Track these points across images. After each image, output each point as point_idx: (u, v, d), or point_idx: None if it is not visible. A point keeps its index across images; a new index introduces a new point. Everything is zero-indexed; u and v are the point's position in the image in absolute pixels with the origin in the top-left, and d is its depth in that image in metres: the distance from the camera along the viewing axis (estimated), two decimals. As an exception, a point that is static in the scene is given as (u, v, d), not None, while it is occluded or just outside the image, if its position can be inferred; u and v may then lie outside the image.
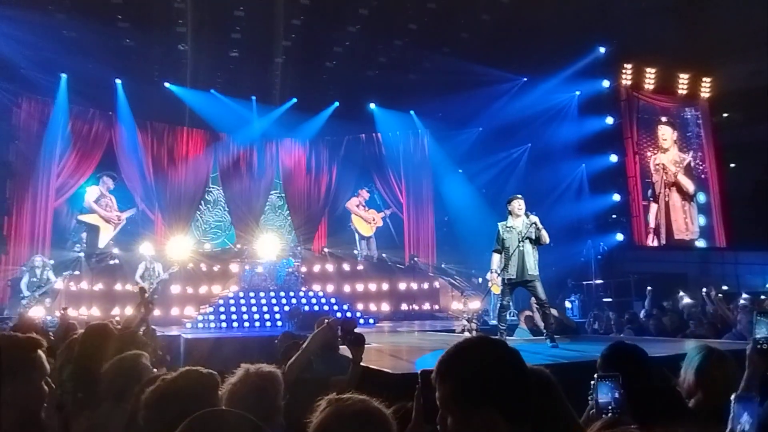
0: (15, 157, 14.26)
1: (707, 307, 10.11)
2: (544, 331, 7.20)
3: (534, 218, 7.07)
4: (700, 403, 2.47)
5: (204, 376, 2.15)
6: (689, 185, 17.30)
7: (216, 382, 2.17)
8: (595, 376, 1.89)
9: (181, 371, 2.16)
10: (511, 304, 7.86)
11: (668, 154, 17.28)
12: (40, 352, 1.85)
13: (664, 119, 17.46)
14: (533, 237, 7.05)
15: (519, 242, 6.99)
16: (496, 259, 7.28)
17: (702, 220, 17.30)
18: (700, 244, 17.19)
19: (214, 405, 2.11)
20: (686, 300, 11.38)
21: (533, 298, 7.50)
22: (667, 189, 17.03)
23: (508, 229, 7.17)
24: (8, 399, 1.71)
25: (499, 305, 7.52)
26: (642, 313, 10.94)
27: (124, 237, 14.32)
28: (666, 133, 17.41)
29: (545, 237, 7.06)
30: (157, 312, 11.71)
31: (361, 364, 5.11)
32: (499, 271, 7.20)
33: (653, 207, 16.71)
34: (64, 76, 14.27)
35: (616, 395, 1.88)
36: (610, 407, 1.89)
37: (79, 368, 3.12)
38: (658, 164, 17.04)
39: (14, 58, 13.00)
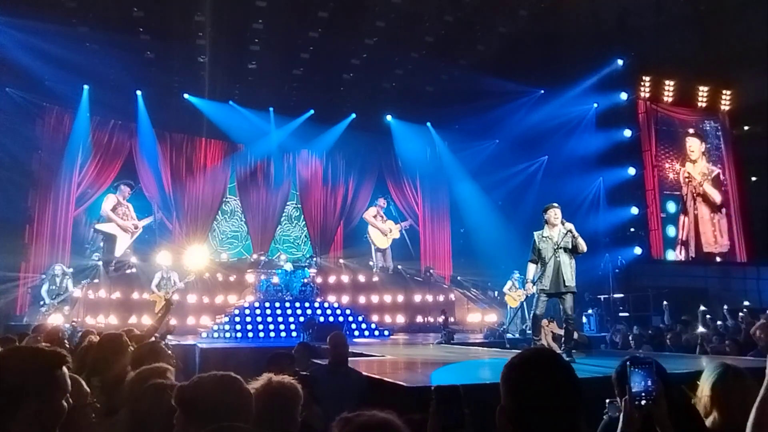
0: (38, 167, 14.52)
1: (728, 323, 9.93)
2: (563, 344, 7.02)
3: (569, 226, 6.76)
4: (716, 422, 2.40)
5: (239, 381, 2.13)
6: (716, 196, 17.09)
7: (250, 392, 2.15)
8: (627, 362, 1.85)
9: (218, 374, 2.13)
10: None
11: (697, 166, 17.12)
12: (64, 368, 1.78)
13: (691, 131, 17.32)
14: (570, 246, 6.74)
15: (555, 252, 6.72)
16: (532, 270, 7.03)
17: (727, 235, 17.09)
18: (720, 257, 16.93)
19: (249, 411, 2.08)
20: (700, 329, 11.16)
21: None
22: (695, 201, 16.84)
23: (544, 239, 6.87)
24: (29, 419, 1.67)
25: (533, 315, 7.21)
26: (662, 327, 10.80)
27: (142, 246, 14.46)
28: (694, 145, 17.27)
29: (582, 245, 6.72)
30: (172, 321, 11.84)
31: (377, 376, 5.12)
32: (534, 281, 7.00)
33: (682, 219, 16.53)
34: (86, 87, 14.53)
35: (649, 383, 1.84)
36: (643, 395, 1.86)
37: (93, 377, 3.13)
38: (686, 176, 16.89)
39: (38, 70, 13.29)
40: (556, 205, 7.06)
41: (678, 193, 16.84)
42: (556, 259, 6.72)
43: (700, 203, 16.91)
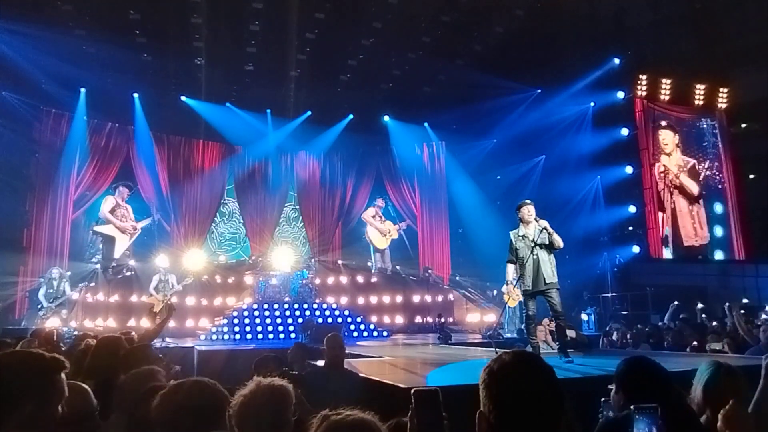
0: (35, 171, 14.50)
1: (727, 320, 9.92)
2: (557, 344, 6.96)
3: (544, 222, 6.66)
4: (709, 420, 2.40)
5: (212, 387, 2.14)
6: (693, 187, 16.99)
7: (225, 394, 2.16)
8: (632, 408, 1.74)
9: (190, 382, 2.14)
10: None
11: (672, 158, 17.01)
12: (62, 374, 1.81)
13: (664, 123, 17.12)
14: (546, 242, 6.64)
15: (532, 250, 6.61)
16: (511, 270, 6.95)
17: (720, 231, 17.04)
18: (719, 255, 16.91)
19: (222, 417, 2.10)
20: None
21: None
22: (671, 194, 16.75)
23: (520, 237, 6.77)
24: (23, 421, 1.68)
25: (525, 316, 7.05)
26: (661, 326, 10.79)
27: (140, 248, 14.44)
28: (667, 137, 17.07)
29: (558, 241, 6.62)
30: (171, 323, 11.84)
31: (373, 377, 5.11)
32: (515, 282, 6.93)
33: (660, 216, 16.45)
34: (83, 90, 14.53)
35: (654, 430, 1.73)
36: None
37: (88, 380, 3.13)
38: (662, 171, 16.83)
39: (35, 74, 13.28)
40: (528, 201, 6.96)
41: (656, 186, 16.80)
42: (534, 257, 6.63)
43: (678, 196, 16.77)
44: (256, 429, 2.15)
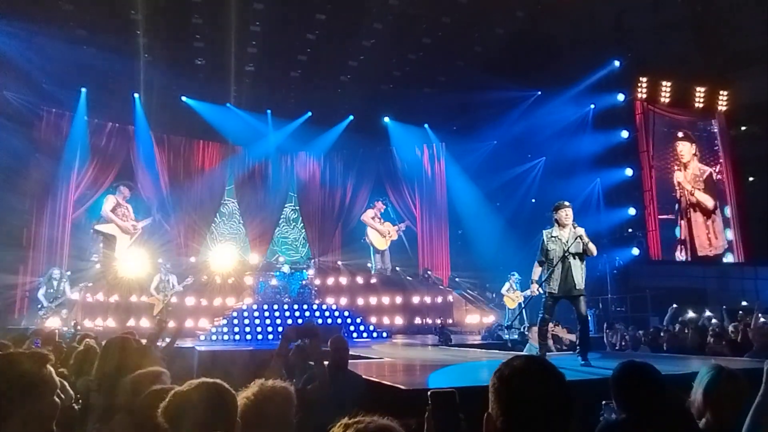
0: (35, 170, 14.48)
1: (725, 323, 9.94)
2: (577, 348, 6.81)
3: (580, 231, 6.48)
4: (709, 424, 2.40)
5: (220, 387, 2.15)
6: (709, 201, 17.09)
7: (233, 394, 2.17)
8: None
9: (197, 383, 2.15)
10: (550, 317, 6.91)
11: (688, 171, 17.07)
12: (49, 366, 1.84)
13: (680, 134, 17.25)
14: (580, 251, 6.47)
15: (564, 255, 6.41)
16: (538, 271, 6.77)
17: (730, 235, 17.10)
18: (728, 259, 16.94)
19: (231, 418, 2.10)
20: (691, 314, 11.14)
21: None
22: (687, 211, 16.84)
23: (553, 239, 6.56)
24: (24, 419, 1.71)
25: (540, 318, 6.84)
26: (660, 328, 10.81)
27: (141, 248, 14.41)
28: (684, 149, 17.22)
29: (592, 249, 6.49)
30: (171, 323, 11.83)
31: (374, 378, 5.10)
32: (539, 283, 6.76)
33: (681, 222, 16.57)
34: (83, 90, 14.54)
35: None
36: None
37: (100, 379, 3.13)
38: (678, 182, 16.91)
39: (36, 73, 13.32)
40: (567, 204, 6.74)
41: (674, 194, 16.88)
42: (566, 262, 6.45)
43: (693, 213, 16.91)
44: (260, 430, 2.16)
